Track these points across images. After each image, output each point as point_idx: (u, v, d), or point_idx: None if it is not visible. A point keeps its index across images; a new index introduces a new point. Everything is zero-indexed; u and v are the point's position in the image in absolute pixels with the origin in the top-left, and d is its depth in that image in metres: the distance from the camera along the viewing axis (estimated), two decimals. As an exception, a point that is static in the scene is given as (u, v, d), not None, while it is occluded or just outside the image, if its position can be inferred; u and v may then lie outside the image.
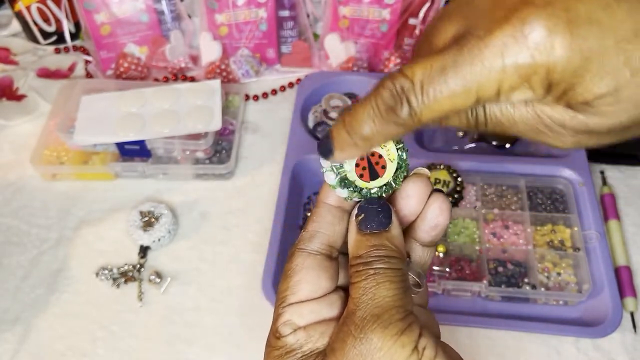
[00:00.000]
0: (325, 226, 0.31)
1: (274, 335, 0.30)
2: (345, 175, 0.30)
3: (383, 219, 0.29)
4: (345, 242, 0.31)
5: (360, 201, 0.30)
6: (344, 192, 0.30)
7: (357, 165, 0.30)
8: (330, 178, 0.30)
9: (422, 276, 0.32)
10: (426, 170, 0.31)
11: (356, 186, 0.30)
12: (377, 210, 0.29)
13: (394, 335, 0.26)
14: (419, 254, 0.32)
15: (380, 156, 0.30)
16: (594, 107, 0.26)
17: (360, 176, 0.30)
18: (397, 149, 0.30)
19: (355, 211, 0.30)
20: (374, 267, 0.28)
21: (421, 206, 0.30)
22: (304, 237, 0.31)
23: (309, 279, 0.30)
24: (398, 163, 0.30)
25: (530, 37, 0.23)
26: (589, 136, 0.29)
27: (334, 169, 0.30)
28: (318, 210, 0.31)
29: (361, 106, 0.27)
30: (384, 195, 0.30)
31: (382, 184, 0.30)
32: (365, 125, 0.27)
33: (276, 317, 0.30)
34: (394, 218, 0.29)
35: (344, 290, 0.30)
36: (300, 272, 0.30)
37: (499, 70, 0.24)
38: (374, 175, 0.30)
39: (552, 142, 0.29)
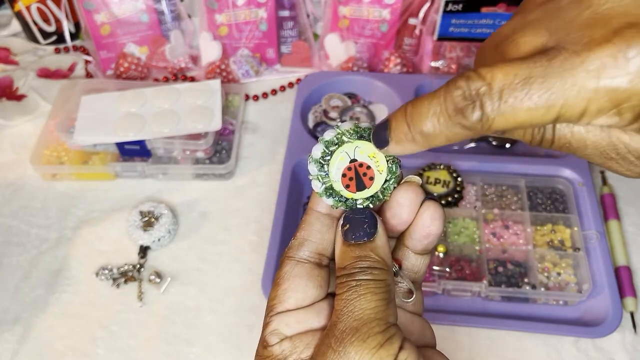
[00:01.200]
0: (314, 234, 0.30)
1: (262, 344, 0.30)
2: (331, 185, 0.29)
3: (368, 229, 0.29)
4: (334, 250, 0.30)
5: (346, 210, 0.30)
6: (329, 201, 0.30)
7: (344, 175, 0.29)
8: (317, 186, 0.30)
9: (414, 284, 0.31)
10: (417, 178, 0.30)
11: (342, 196, 0.29)
12: (363, 220, 0.29)
13: (372, 348, 0.25)
14: (412, 262, 0.31)
15: (369, 167, 0.29)
16: None
17: (347, 186, 0.29)
18: (387, 161, 0.29)
19: (341, 221, 0.29)
20: (357, 278, 0.27)
21: (413, 215, 0.30)
22: (293, 245, 0.31)
23: (297, 287, 0.29)
24: (387, 174, 0.29)
25: (633, 61, 0.22)
26: None
27: (320, 178, 0.29)
28: (307, 218, 0.31)
29: (427, 100, 0.26)
30: (370, 206, 0.30)
31: (368, 195, 0.29)
32: (428, 121, 0.26)
33: (264, 325, 0.30)
34: (379, 228, 0.29)
35: (334, 298, 0.30)
36: (288, 280, 0.30)
37: (590, 91, 0.22)
38: (360, 187, 0.29)
39: (619, 169, 0.27)
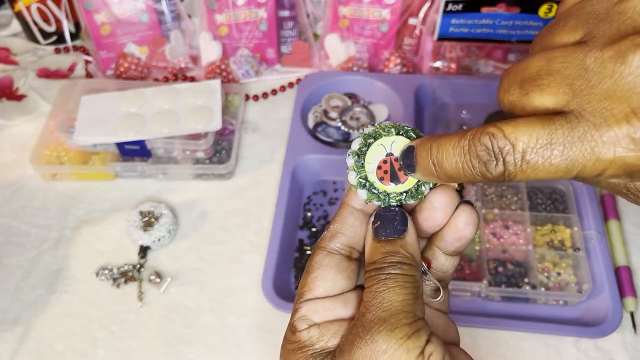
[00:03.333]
0: (347, 227, 0.31)
1: (290, 329, 0.30)
2: (365, 176, 0.30)
3: (398, 227, 0.29)
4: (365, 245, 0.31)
5: (379, 207, 0.30)
6: (363, 193, 0.30)
7: (379, 167, 0.30)
8: (352, 177, 0.30)
9: (442, 283, 0.32)
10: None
11: (375, 188, 0.30)
12: (394, 218, 0.29)
13: (399, 339, 0.26)
14: (442, 262, 0.32)
15: None
16: None
17: (381, 179, 0.30)
18: None
19: (372, 218, 0.30)
20: (386, 272, 0.28)
21: (446, 219, 0.30)
22: (325, 237, 0.32)
23: (326, 276, 0.30)
24: None
25: None
26: None
27: (356, 168, 0.30)
28: (341, 212, 0.32)
29: (452, 146, 0.27)
30: (403, 202, 0.30)
31: (401, 190, 0.30)
32: (451, 167, 0.27)
33: (294, 311, 0.31)
34: (409, 226, 0.30)
35: (362, 290, 0.31)
36: (318, 269, 0.31)
37: (607, 161, 0.25)
38: (395, 180, 0.30)
39: (631, 201, 0.29)
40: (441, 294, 0.31)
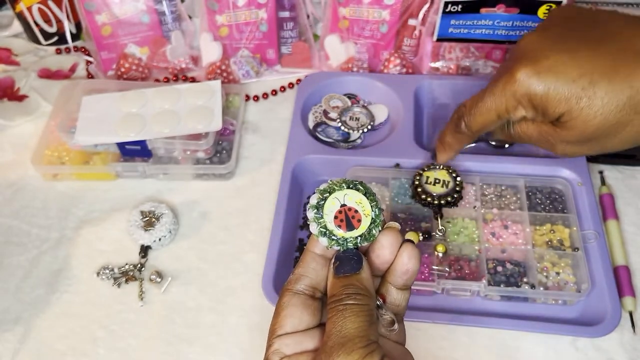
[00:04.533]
0: (310, 271, 0.36)
1: None
2: (325, 225, 0.35)
3: (354, 265, 0.34)
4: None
5: (338, 251, 0.35)
6: (324, 241, 0.35)
7: (335, 217, 0.35)
8: (313, 227, 0.35)
9: (397, 316, 0.36)
10: (397, 224, 0.36)
11: (334, 235, 0.35)
12: (351, 258, 0.35)
13: None
14: (394, 296, 0.37)
15: (357, 211, 0.35)
16: (562, 123, 0.49)
17: (339, 227, 0.35)
18: (372, 206, 0.35)
19: (333, 260, 0.35)
20: (344, 303, 0.33)
21: (394, 255, 0.36)
22: (291, 280, 0.36)
23: (294, 313, 0.35)
24: (372, 218, 0.35)
25: (518, 80, 0.49)
26: (569, 145, 0.52)
27: (316, 219, 0.35)
28: (305, 257, 0.37)
29: (446, 126, 0.59)
30: (358, 245, 0.35)
31: (356, 234, 0.35)
32: (447, 136, 0.59)
33: (267, 346, 0.35)
34: (364, 264, 0.35)
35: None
36: (287, 308, 0.35)
37: (504, 97, 0.50)
38: (350, 227, 0.35)
39: (552, 150, 0.54)
40: (395, 325, 0.35)
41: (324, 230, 0.35)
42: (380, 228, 0.35)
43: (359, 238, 0.35)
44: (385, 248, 0.35)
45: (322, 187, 0.36)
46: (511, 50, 0.53)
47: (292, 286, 0.36)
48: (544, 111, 0.49)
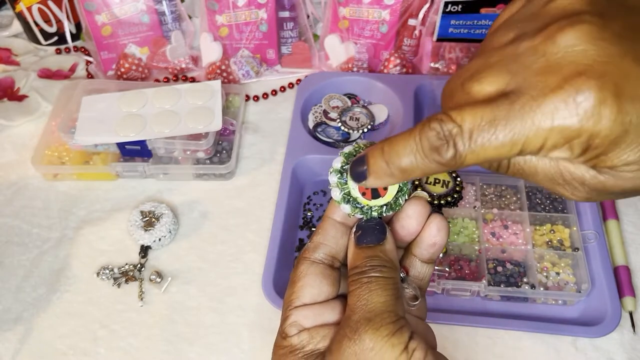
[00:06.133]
0: (329, 239, 0.33)
1: (281, 335, 0.32)
2: (349, 192, 0.32)
3: (378, 235, 0.32)
4: (347, 255, 0.33)
5: (360, 219, 0.33)
6: (347, 208, 0.32)
7: None
8: (336, 194, 0.32)
9: (420, 290, 0.34)
10: (424, 194, 0.34)
11: (358, 203, 0.32)
12: (374, 228, 0.32)
13: (384, 336, 0.28)
14: (418, 269, 0.34)
15: None
16: (617, 172, 0.28)
17: (363, 194, 0.32)
18: None
19: (354, 228, 0.33)
20: (368, 275, 0.30)
21: (420, 226, 0.33)
22: (308, 247, 0.34)
23: (312, 283, 0.33)
24: (399, 186, 0.32)
25: (581, 105, 0.25)
26: (601, 194, 0.31)
27: (339, 185, 0.32)
28: (323, 224, 0.34)
29: (403, 140, 0.28)
30: (383, 214, 0.32)
31: (382, 203, 0.32)
32: (405, 158, 0.28)
33: (283, 319, 0.33)
34: (388, 234, 0.32)
35: (345, 299, 0.32)
36: (304, 277, 0.33)
37: (546, 130, 0.26)
38: (375, 195, 0.32)
39: (565, 194, 0.31)
40: (418, 300, 0.33)
41: (348, 196, 0.32)
42: (407, 197, 0.33)
43: (385, 207, 0.32)
44: (411, 218, 0.33)
45: (346, 149, 0.32)
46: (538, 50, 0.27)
47: (310, 254, 0.33)
48: (600, 154, 0.27)
